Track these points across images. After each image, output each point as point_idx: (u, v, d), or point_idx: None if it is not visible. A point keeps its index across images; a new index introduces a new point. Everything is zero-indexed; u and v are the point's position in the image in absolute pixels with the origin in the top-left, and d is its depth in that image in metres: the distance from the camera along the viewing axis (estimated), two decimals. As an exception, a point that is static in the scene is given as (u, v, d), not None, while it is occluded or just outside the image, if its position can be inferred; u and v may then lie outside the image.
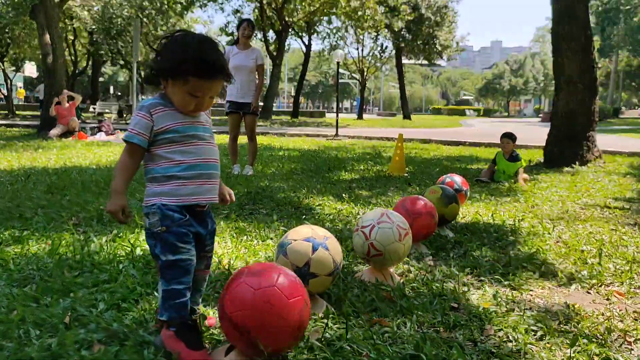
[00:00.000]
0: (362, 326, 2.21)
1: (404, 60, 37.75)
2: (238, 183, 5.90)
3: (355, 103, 68.88)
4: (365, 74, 37.58)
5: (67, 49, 27.77)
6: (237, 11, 29.31)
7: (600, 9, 40.26)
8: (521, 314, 2.41)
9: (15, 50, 28.32)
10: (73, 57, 31.54)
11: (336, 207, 4.81)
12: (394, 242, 2.76)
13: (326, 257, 2.33)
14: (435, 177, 6.65)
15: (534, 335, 2.20)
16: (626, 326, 2.33)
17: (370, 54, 37.39)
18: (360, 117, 37.01)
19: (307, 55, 33.82)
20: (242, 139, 7.63)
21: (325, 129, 20.33)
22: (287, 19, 26.03)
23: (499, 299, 2.62)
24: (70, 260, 2.97)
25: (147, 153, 1.92)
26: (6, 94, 29.46)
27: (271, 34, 28.95)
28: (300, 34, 32.41)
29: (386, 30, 29.91)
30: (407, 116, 35.92)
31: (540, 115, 48.28)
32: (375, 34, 33.19)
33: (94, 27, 27.06)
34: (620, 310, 2.53)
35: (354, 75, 40.77)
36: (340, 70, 21.71)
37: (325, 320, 2.24)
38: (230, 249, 3.32)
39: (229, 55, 6.91)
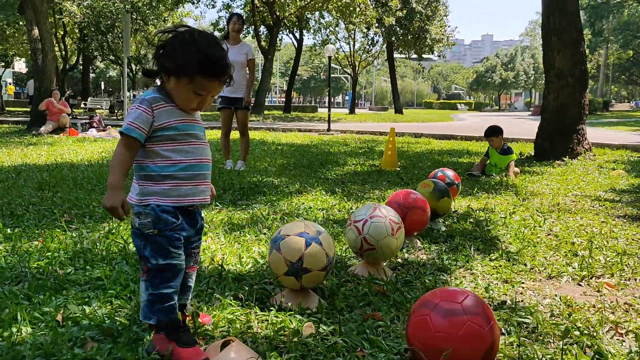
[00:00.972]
0: (356, 321, 2.22)
1: (395, 55, 37.73)
2: (231, 178, 5.89)
3: (347, 98, 68.83)
4: (357, 68, 37.56)
5: (56, 45, 27.52)
6: (227, 6, 29.18)
7: (590, 2, 40.39)
8: (513, 306, 2.43)
9: (4, 46, 28.07)
10: (63, 53, 31.29)
11: (329, 202, 4.82)
12: (386, 237, 2.77)
13: (319, 252, 2.34)
14: (427, 171, 6.66)
15: (526, 327, 2.22)
16: (617, 318, 2.36)
17: (362, 49, 37.37)
18: (352, 111, 36.98)
19: (298, 50, 33.75)
20: (235, 135, 7.61)
21: (317, 123, 20.32)
22: (278, 13, 25.93)
23: (491, 292, 2.63)
24: (62, 257, 2.96)
25: (141, 149, 1.87)
26: (-5, 91, 29.20)
27: (263, 29, 28.84)
28: (291, 28, 32.32)
29: (377, 25, 29.87)
30: (398, 110, 35.94)
31: (531, 108, 48.46)
32: (366, 28, 33.14)
33: (84, 22, 26.85)
34: (611, 302, 2.55)
35: (345, 69, 40.74)
36: (332, 65, 21.67)
37: (319, 315, 2.25)
38: (223, 245, 3.32)
39: (220, 50, 6.88)
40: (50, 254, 3.00)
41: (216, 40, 1.86)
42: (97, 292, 2.44)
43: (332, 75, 22.84)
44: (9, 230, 3.51)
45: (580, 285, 2.84)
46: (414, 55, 36.56)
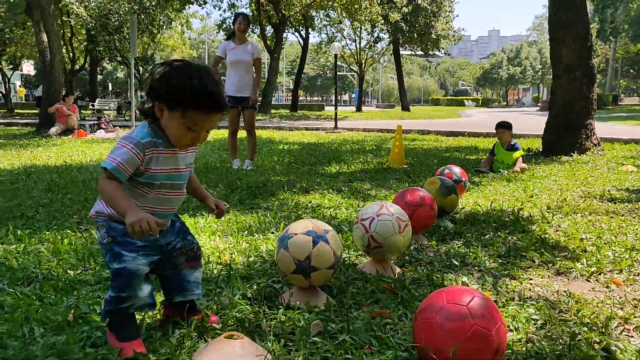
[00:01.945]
0: (364, 318, 2.23)
1: (402, 52, 37.65)
2: (238, 178, 5.92)
3: (354, 95, 68.74)
4: (363, 66, 37.52)
5: (64, 46, 27.70)
6: (233, 5, 29.20)
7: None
8: (521, 303, 2.43)
9: (12, 49, 28.28)
10: (71, 55, 31.49)
11: (336, 200, 4.83)
12: (393, 234, 2.77)
13: (327, 250, 2.35)
14: (434, 169, 6.66)
15: (535, 324, 2.22)
16: (626, 314, 2.35)
17: (368, 46, 37.32)
18: (359, 109, 36.96)
19: (304, 48, 33.77)
20: (242, 134, 7.63)
21: (324, 122, 20.32)
22: (284, 11, 25.94)
23: (499, 289, 2.64)
24: (73, 258, 2.99)
25: None
26: (4, 93, 29.44)
27: (269, 28, 28.86)
28: (297, 27, 32.32)
29: (382, 22, 29.81)
30: (405, 107, 35.87)
31: (539, 104, 48.22)
32: (372, 26, 33.09)
33: (91, 23, 26.99)
34: (620, 298, 2.55)
35: (352, 67, 40.70)
36: (338, 63, 21.68)
37: (327, 313, 2.26)
38: (231, 244, 3.34)
39: (226, 50, 6.91)
40: (61, 255, 3.04)
41: (211, 74, 1.80)
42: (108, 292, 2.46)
43: (338, 73, 22.83)
44: (19, 232, 3.55)
45: (589, 281, 2.84)
46: (420, 52, 36.45)
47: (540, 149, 9.01)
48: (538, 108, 45.58)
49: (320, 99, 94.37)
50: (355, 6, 23.98)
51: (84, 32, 30.57)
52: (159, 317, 2.20)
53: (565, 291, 2.64)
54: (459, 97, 73.98)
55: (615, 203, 4.82)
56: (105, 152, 8.97)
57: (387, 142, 11.54)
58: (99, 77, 46.39)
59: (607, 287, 2.74)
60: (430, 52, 34.95)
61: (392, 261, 2.98)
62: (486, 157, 7.25)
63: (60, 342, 1.93)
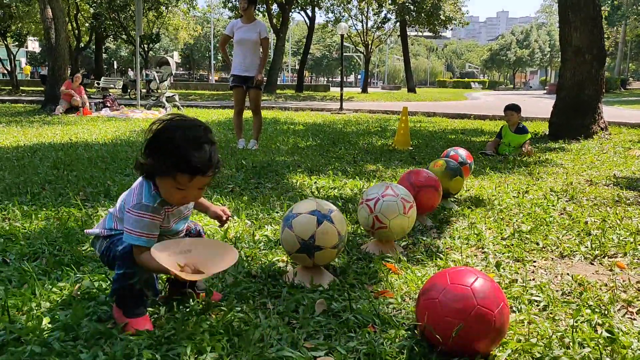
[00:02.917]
0: (367, 298, 2.24)
1: (409, 32, 37.28)
2: (243, 157, 5.92)
3: (359, 76, 68.29)
4: (369, 47, 37.21)
5: (69, 24, 27.55)
6: (238, -17, 28.87)
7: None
8: (524, 285, 2.44)
9: (17, 25, 28.14)
10: (76, 32, 31.32)
11: (341, 181, 4.83)
12: (398, 215, 2.78)
13: (331, 229, 2.35)
14: (439, 151, 6.64)
15: (537, 305, 2.23)
16: (629, 297, 2.35)
17: (375, 27, 36.97)
18: (364, 90, 36.76)
19: (311, 28, 33.46)
20: (247, 114, 7.61)
21: (329, 102, 20.24)
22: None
23: (502, 270, 2.64)
24: (79, 234, 3.01)
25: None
26: (10, 70, 29.38)
27: (275, 7, 28.60)
28: (304, 6, 32.00)
29: (390, 2, 29.48)
30: (411, 89, 35.65)
31: (547, 87, 47.81)
32: (379, 5, 32.75)
33: (96, 1, 26.80)
34: (623, 281, 2.55)
35: (358, 48, 40.39)
36: (345, 44, 21.50)
37: (331, 292, 2.27)
38: (236, 223, 3.35)
39: (233, 29, 6.85)
40: (66, 230, 3.06)
41: (198, 139, 1.81)
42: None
43: (344, 54, 22.67)
44: (25, 208, 3.57)
45: (592, 264, 2.84)
46: (428, 33, 36.10)
47: (547, 133, 8.96)
48: (545, 91, 45.24)
49: (325, 80, 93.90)
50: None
51: (90, 9, 30.36)
52: (163, 294, 2.22)
53: (568, 273, 2.65)
54: (465, 80, 73.40)
55: (621, 187, 4.80)
56: (111, 130, 8.97)
57: (393, 123, 11.49)
58: (104, 55, 46.20)
59: (611, 270, 2.74)
60: (438, 31, 34.50)
61: (395, 242, 2.98)
62: (492, 139, 7.22)
63: (67, 317, 1.95)
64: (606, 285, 2.51)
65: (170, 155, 1.78)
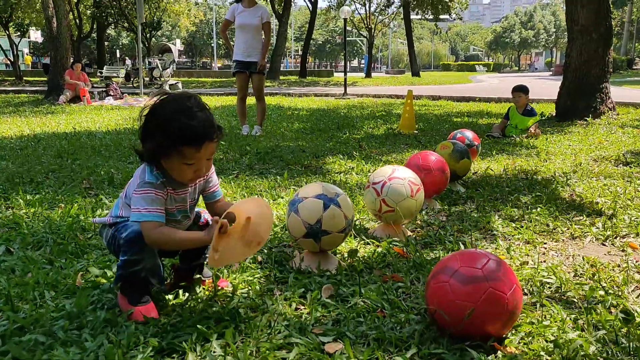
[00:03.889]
0: (375, 282, 2.20)
1: (412, 16, 36.93)
2: (247, 143, 5.87)
3: (363, 61, 67.95)
4: (373, 31, 36.90)
5: (70, 13, 27.40)
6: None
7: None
8: (535, 266, 2.39)
9: (19, 15, 28.03)
10: (77, 21, 31.17)
11: (347, 165, 4.78)
12: (405, 198, 2.73)
13: (338, 214, 2.31)
14: (445, 134, 6.57)
15: (549, 287, 2.19)
16: (642, 277, 2.31)
17: (378, 11, 36.62)
18: (368, 75, 36.51)
19: (313, 12, 33.14)
20: (251, 100, 7.55)
21: (333, 88, 20.11)
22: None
23: (513, 253, 2.60)
24: (82, 222, 2.98)
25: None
26: (12, 60, 29.31)
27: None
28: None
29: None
30: (415, 73, 35.38)
31: (552, 68, 47.38)
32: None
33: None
34: (636, 262, 2.50)
35: (361, 32, 40.07)
36: (348, 28, 21.31)
37: (338, 277, 2.24)
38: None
39: (234, 13, 6.77)
40: (70, 219, 3.03)
41: (190, 108, 1.77)
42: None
43: (347, 39, 22.48)
44: (29, 197, 3.54)
45: (604, 245, 2.79)
46: (431, 17, 35.74)
47: (554, 114, 8.85)
48: (551, 73, 44.82)
49: (328, 65, 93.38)
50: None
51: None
52: (169, 281, 2.18)
53: (579, 255, 2.60)
54: (470, 62, 72.83)
55: (630, 167, 4.73)
56: (114, 119, 8.93)
57: (397, 107, 11.40)
58: (105, 43, 46.02)
59: (623, 250, 2.69)
60: (442, 16, 34.19)
61: (403, 225, 2.94)
62: (499, 121, 7.13)
63: (70, 305, 1.93)
64: (619, 266, 2.47)
65: (171, 131, 1.74)
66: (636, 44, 51.40)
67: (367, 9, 36.41)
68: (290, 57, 77.27)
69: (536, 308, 1.98)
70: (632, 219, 3.14)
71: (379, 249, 2.60)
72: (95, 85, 16.61)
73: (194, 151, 1.77)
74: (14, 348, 1.63)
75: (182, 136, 1.74)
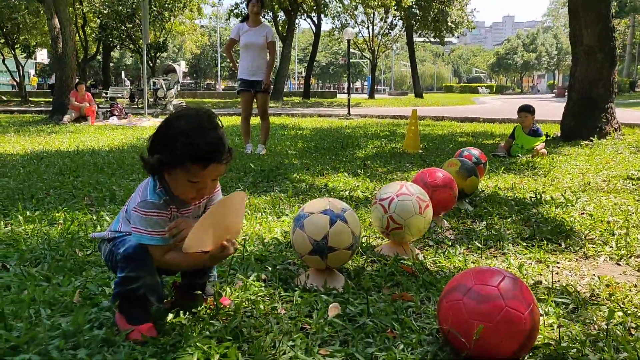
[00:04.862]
0: (385, 301, 2.12)
1: (415, 38, 37.19)
2: (251, 162, 5.82)
3: (366, 83, 68.24)
4: (376, 53, 37.13)
5: (76, 34, 27.65)
6: (245, -12, 28.86)
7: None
8: (549, 286, 2.31)
9: (25, 36, 28.29)
10: (83, 43, 31.44)
11: (352, 183, 4.71)
12: (414, 215, 2.66)
13: (344, 229, 2.24)
14: (450, 153, 6.51)
15: (566, 308, 2.10)
16: (661, 298, 2.22)
17: (381, 33, 36.90)
18: (371, 96, 36.64)
19: (317, 35, 33.40)
20: (255, 119, 7.52)
21: (337, 108, 20.14)
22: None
23: (525, 272, 2.51)
24: (82, 238, 2.91)
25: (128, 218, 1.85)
26: (18, 81, 29.50)
27: (281, 15, 28.60)
28: (309, 13, 31.98)
29: (395, 8, 29.37)
30: (419, 94, 35.49)
31: (555, 90, 47.50)
32: (385, 12, 32.67)
33: (104, 11, 26.94)
34: (653, 282, 2.41)
35: (364, 54, 40.33)
36: (351, 50, 21.43)
37: (346, 296, 2.15)
38: (245, 226, 3.24)
39: (239, 32, 6.77)
40: (70, 235, 2.96)
41: (204, 124, 1.73)
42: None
43: (351, 60, 22.59)
44: (29, 213, 3.47)
45: (619, 264, 2.70)
46: (433, 39, 35.99)
47: (559, 134, 8.79)
48: (554, 95, 44.94)
49: (332, 86, 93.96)
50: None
51: (97, 19, 30.48)
52: (169, 299, 2.11)
53: (594, 274, 2.51)
54: (472, 84, 73.13)
55: (640, 186, 4.65)
56: (118, 138, 8.91)
57: (401, 127, 11.37)
58: (110, 64, 46.40)
59: (639, 270, 2.60)
60: (444, 36, 34.42)
61: (411, 243, 2.86)
62: (504, 141, 7.08)
63: (67, 323, 1.85)
64: (635, 286, 2.38)
65: (179, 146, 1.68)
66: (638, 66, 51.55)
67: (371, 31, 36.66)
68: (294, 78, 77.69)
69: (553, 329, 1.90)
70: (646, 238, 3.06)
71: (387, 267, 2.52)
72: (100, 106, 16.68)
73: (200, 169, 1.71)
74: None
75: (189, 153, 1.68)
